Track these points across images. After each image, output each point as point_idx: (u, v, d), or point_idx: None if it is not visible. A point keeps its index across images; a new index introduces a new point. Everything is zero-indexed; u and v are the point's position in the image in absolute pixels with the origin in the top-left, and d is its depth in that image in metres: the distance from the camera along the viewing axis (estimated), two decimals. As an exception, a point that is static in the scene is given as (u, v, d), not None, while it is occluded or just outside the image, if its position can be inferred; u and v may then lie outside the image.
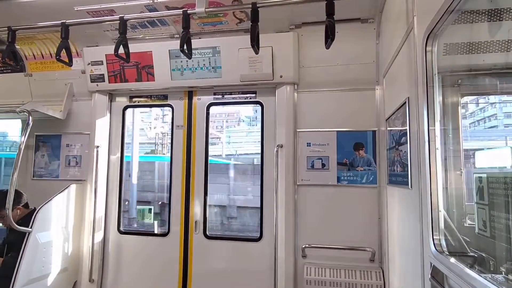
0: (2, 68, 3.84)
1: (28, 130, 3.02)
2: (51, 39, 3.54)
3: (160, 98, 3.63)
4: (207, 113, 3.49)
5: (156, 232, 4.11)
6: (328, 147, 3.11)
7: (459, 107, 1.83)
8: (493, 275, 1.29)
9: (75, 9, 2.86)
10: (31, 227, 2.86)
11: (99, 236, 3.45)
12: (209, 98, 3.50)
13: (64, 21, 2.43)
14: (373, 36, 3.03)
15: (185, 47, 2.26)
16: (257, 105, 3.41)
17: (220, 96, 3.49)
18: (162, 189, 9.24)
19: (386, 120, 2.69)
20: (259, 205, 3.30)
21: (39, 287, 2.94)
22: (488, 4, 1.57)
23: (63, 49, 2.42)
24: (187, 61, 3.29)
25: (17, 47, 3.22)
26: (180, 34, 2.45)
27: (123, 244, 3.52)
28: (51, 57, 3.64)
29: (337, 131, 3.10)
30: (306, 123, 3.18)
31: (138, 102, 3.70)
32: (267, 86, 3.28)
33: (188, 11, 2.27)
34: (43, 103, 3.54)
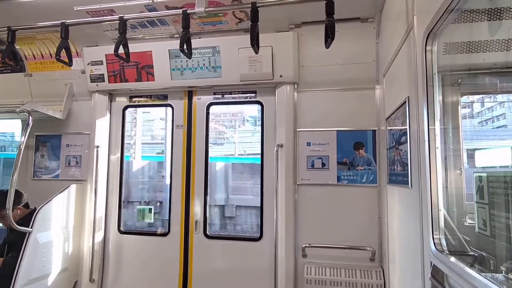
0: (2, 68, 3.83)
1: (28, 130, 3.02)
2: (51, 39, 3.54)
3: (160, 98, 3.63)
4: (207, 113, 3.50)
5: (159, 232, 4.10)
6: (328, 147, 3.11)
7: (459, 106, 1.83)
8: (493, 274, 1.29)
9: (75, 9, 2.86)
10: (31, 227, 2.86)
11: (99, 236, 3.46)
12: (209, 98, 3.50)
13: (64, 21, 2.43)
14: (373, 36, 3.03)
15: (185, 47, 2.26)
16: (257, 104, 3.41)
17: (220, 96, 3.49)
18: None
19: (386, 119, 2.69)
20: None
21: (40, 287, 2.94)
22: (487, 3, 1.57)
23: (63, 49, 2.42)
24: (187, 61, 3.29)
25: (17, 47, 3.23)
26: (180, 34, 2.45)
27: (123, 244, 3.52)
28: (51, 57, 3.63)
29: (337, 131, 3.10)
30: (306, 122, 3.18)
31: (138, 102, 3.70)
32: (267, 86, 3.28)
33: (188, 11, 2.27)
34: (43, 103, 3.53)
